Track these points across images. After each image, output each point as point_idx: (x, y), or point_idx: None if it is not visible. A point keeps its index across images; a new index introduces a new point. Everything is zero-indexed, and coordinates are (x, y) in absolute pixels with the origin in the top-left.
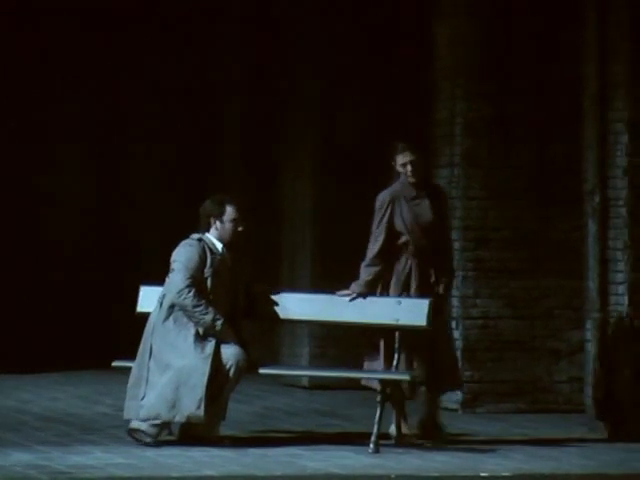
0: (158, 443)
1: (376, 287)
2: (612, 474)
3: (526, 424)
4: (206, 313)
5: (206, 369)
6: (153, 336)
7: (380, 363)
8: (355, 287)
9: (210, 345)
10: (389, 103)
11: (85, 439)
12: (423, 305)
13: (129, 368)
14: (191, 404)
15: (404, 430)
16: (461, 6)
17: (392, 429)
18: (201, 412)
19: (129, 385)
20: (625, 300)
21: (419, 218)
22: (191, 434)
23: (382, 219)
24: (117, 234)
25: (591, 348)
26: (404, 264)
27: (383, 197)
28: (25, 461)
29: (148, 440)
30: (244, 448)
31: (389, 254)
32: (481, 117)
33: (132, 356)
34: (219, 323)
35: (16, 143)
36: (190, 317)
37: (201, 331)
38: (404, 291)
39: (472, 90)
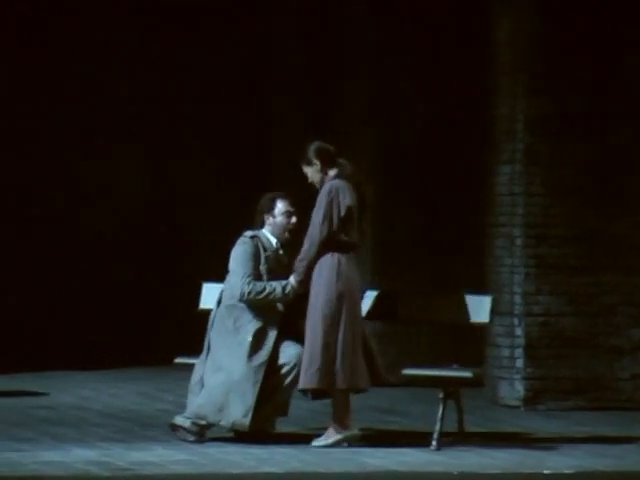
0: (202, 440)
1: None
2: None
3: (587, 422)
4: (273, 290)
5: (258, 378)
6: (212, 333)
7: None
8: None
9: (264, 353)
10: (449, 99)
11: (146, 435)
12: None
13: (191, 365)
14: (239, 411)
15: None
16: (523, 1)
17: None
18: (247, 420)
19: (192, 381)
20: None
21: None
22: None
23: None
24: (176, 232)
25: None
26: None
27: None
28: (86, 458)
29: (190, 438)
30: (305, 445)
31: None
32: (542, 113)
33: (194, 353)
34: (289, 289)
35: (66, 142)
36: (267, 303)
37: (281, 307)
38: None
39: (533, 86)
